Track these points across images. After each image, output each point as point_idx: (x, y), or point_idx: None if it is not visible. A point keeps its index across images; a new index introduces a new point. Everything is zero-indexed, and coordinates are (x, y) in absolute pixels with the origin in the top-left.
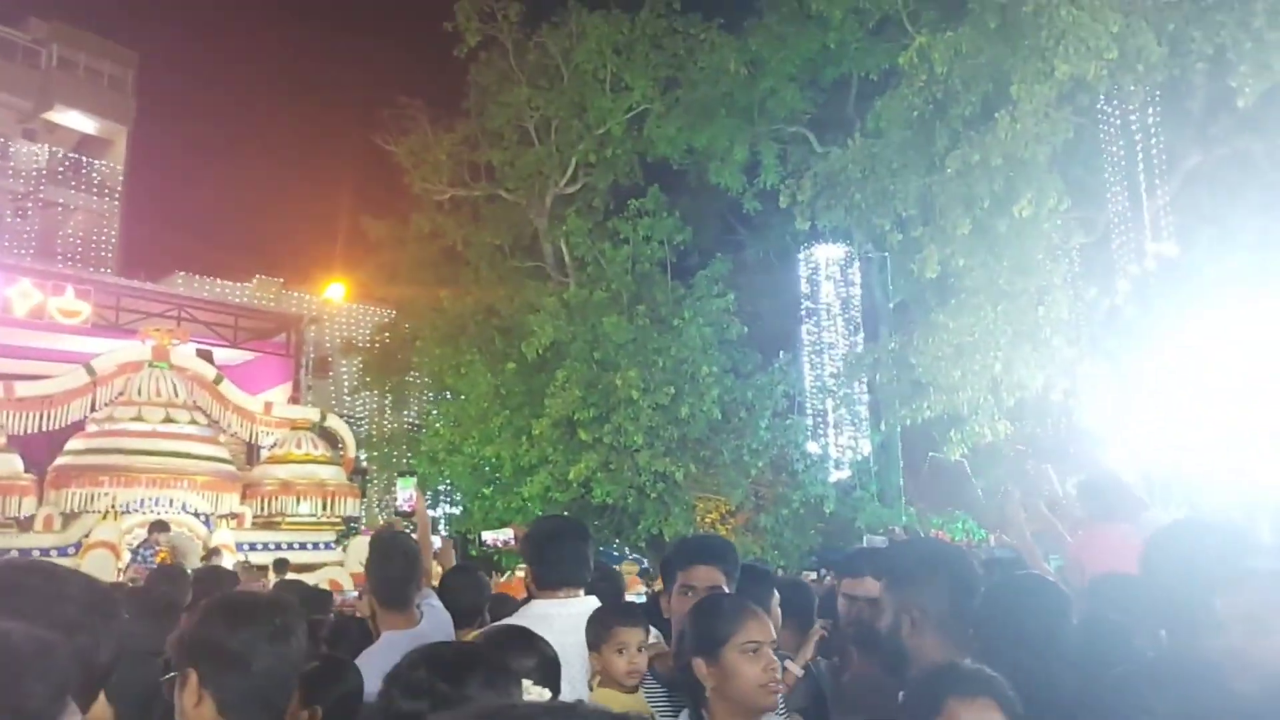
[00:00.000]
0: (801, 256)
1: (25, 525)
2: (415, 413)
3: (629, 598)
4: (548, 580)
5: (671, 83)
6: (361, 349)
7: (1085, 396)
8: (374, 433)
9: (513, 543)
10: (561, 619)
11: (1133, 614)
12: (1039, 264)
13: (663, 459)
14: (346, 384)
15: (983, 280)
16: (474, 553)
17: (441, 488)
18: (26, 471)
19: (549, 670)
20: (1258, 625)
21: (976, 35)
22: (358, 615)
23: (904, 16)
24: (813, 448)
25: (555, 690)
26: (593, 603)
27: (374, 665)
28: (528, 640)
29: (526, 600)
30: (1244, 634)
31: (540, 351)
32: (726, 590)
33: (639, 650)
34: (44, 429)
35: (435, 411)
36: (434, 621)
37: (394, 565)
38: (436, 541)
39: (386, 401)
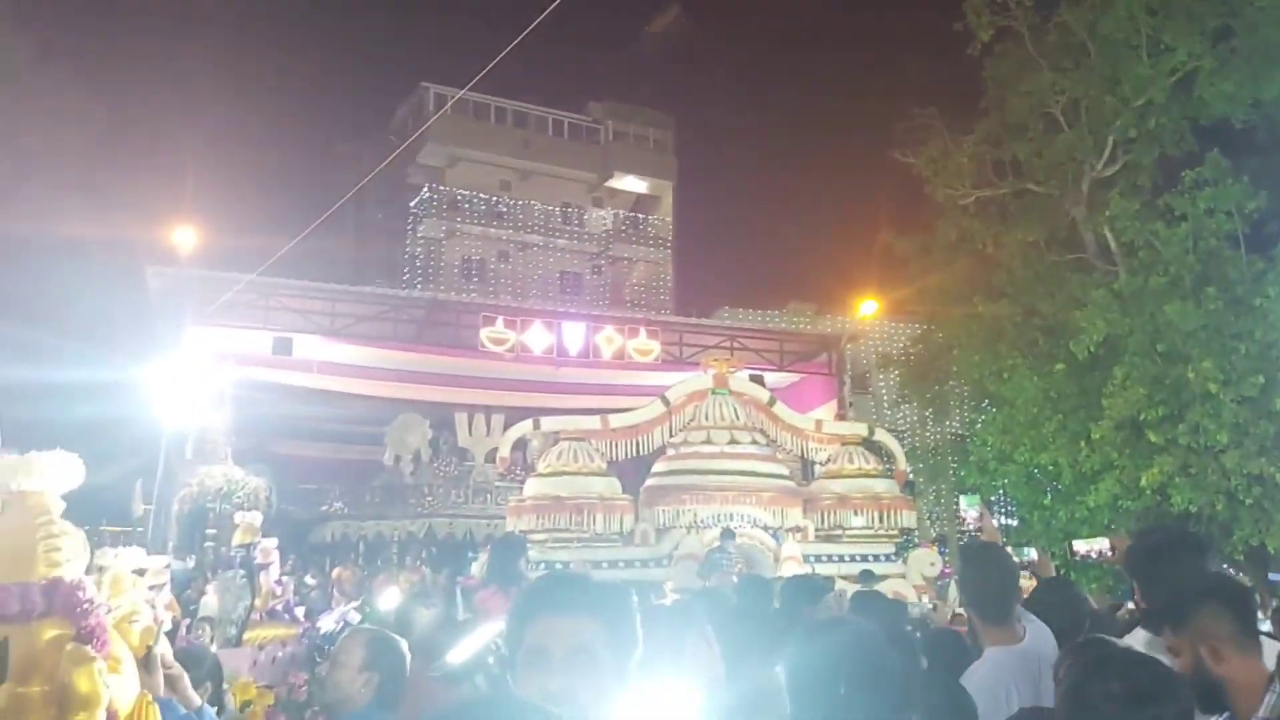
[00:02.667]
0: None
1: (627, 539)
2: (957, 422)
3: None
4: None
5: (1223, 33)
6: (898, 362)
7: None
8: (917, 444)
9: (1109, 554)
10: None
11: None
12: None
13: (1256, 459)
14: (885, 398)
15: None
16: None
17: (994, 498)
18: (624, 492)
19: None
20: None
21: None
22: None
23: None
24: None
25: None
26: None
27: (982, 682)
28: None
29: None
30: None
31: (1092, 349)
32: None
33: None
34: (634, 455)
35: (980, 420)
36: (1038, 637)
37: (991, 578)
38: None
39: (927, 413)
